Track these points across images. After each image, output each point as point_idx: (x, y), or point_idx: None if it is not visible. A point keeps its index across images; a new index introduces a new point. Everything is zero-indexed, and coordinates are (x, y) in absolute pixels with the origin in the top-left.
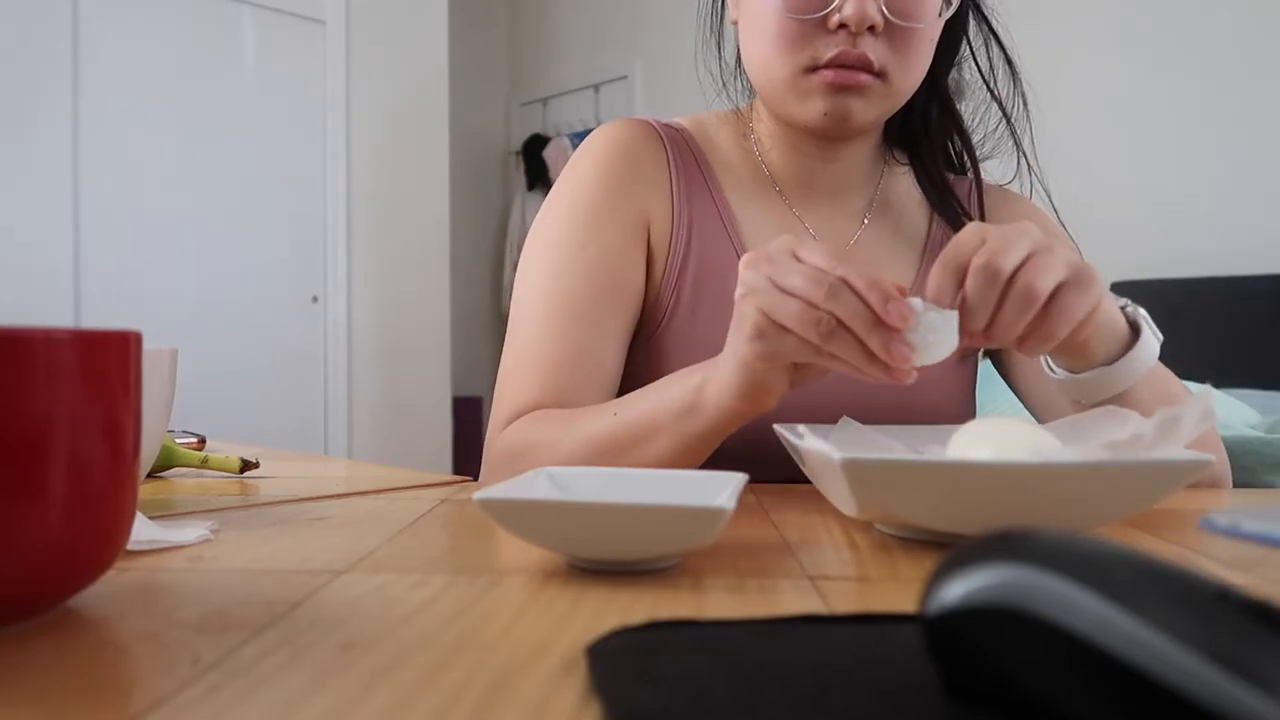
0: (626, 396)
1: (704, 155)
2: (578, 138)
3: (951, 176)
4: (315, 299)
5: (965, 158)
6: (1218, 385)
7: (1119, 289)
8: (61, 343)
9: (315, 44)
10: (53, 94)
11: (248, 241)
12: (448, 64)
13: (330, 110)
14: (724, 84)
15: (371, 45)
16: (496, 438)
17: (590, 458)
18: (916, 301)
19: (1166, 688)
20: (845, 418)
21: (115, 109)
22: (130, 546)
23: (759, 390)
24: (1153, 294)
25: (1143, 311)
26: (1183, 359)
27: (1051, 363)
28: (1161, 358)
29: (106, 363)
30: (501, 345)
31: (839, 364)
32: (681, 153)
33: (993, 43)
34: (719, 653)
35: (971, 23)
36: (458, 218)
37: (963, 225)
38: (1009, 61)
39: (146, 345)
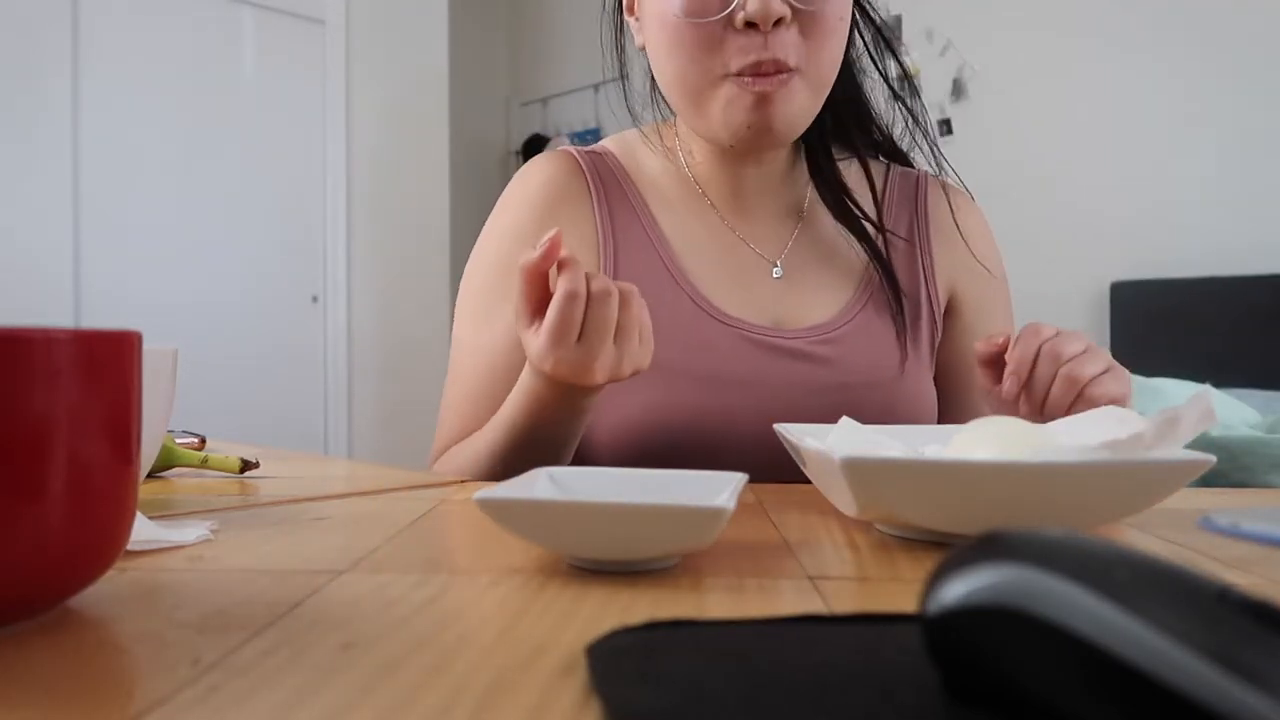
0: (491, 429)
1: (629, 177)
2: (578, 138)
3: (900, 169)
4: (315, 299)
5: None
6: (1218, 385)
7: (1119, 289)
8: (61, 343)
9: (315, 44)
10: (53, 94)
11: (247, 241)
12: (448, 64)
13: (330, 110)
14: (636, 115)
15: (371, 45)
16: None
17: (505, 462)
18: None
19: (1166, 688)
20: (845, 417)
21: (115, 109)
22: (130, 546)
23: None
24: (1153, 294)
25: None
26: (1183, 359)
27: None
28: (1162, 358)
29: (106, 363)
30: None
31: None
32: (605, 179)
33: (876, 37)
34: (719, 653)
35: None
36: (458, 218)
37: (862, 226)
38: (893, 52)
39: (146, 345)
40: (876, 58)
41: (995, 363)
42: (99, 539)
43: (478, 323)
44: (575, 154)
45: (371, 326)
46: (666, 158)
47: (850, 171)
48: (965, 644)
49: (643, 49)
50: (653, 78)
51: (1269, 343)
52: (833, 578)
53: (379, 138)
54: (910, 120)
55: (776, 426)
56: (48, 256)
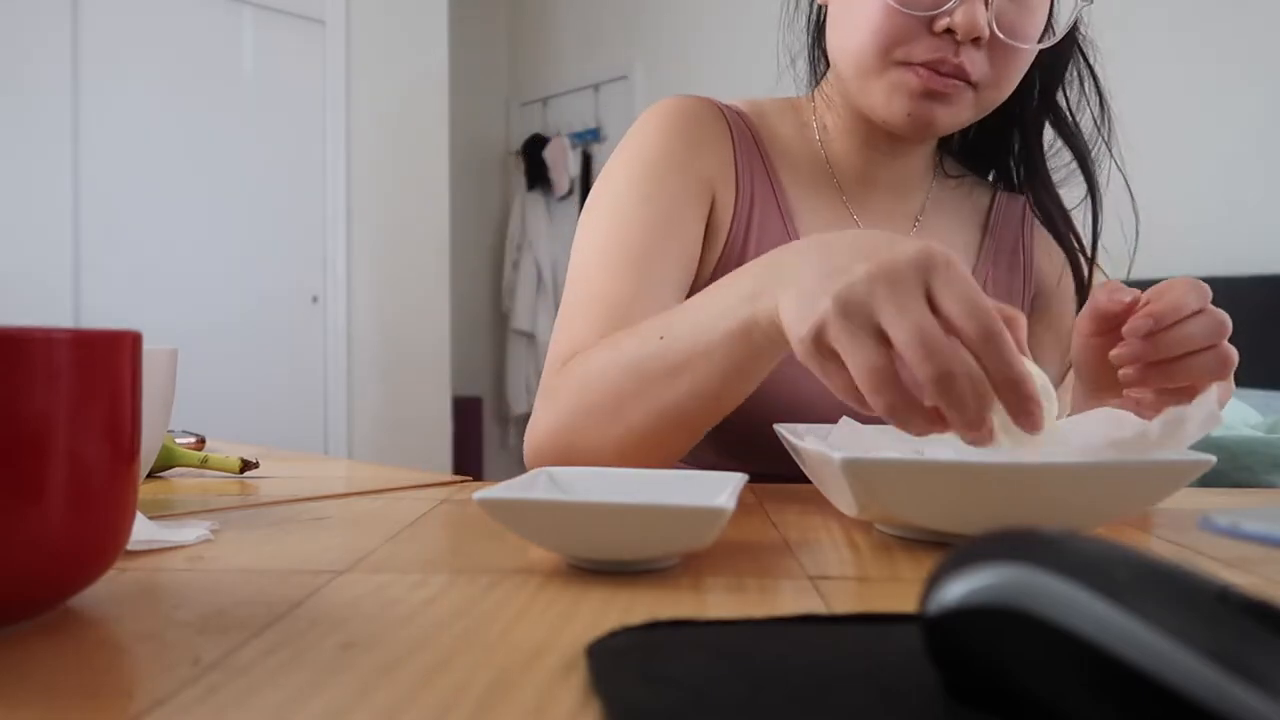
0: (667, 314)
1: (762, 140)
2: (578, 138)
3: (1006, 195)
4: (315, 299)
5: (1019, 179)
6: None
7: None
8: (61, 343)
9: (315, 44)
10: (53, 94)
11: (248, 242)
12: (448, 64)
13: (330, 110)
14: (811, 70)
15: (371, 45)
16: (553, 379)
17: (640, 383)
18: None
19: (1166, 688)
20: (845, 417)
21: (115, 109)
22: (130, 546)
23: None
24: None
25: None
26: None
27: None
28: None
29: (106, 363)
30: (501, 346)
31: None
32: (741, 134)
33: (1089, 80)
34: (719, 653)
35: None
36: (457, 218)
37: (1079, 261)
38: (1102, 101)
39: (146, 345)
40: (1068, 96)
41: (1110, 323)
42: (99, 539)
43: (617, 221)
44: (714, 101)
45: (371, 327)
46: (799, 132)
47: (955, 192)
48: (965, 644)
49: (823, 6)
50: (816, 37)
51: (1269, 343)
52: (833, 578)
53: (379, 137)
54: (1082, 162)
55: (776, 426)
56: (47, 257)
